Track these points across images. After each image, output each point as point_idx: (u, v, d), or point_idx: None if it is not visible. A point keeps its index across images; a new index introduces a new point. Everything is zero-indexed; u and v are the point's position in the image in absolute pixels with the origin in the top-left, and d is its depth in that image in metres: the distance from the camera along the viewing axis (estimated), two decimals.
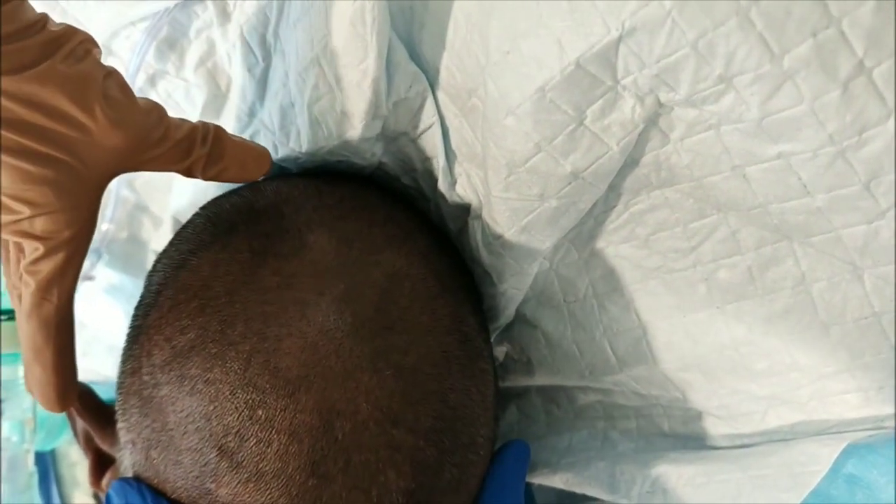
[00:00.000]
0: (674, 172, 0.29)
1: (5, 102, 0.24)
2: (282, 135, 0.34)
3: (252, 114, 0.37)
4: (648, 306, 0.32)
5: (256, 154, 0.30)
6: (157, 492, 0.28)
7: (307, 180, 0.33)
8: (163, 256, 0.33)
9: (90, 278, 0.47)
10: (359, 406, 0.26)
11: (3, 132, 0.24)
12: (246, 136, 0.37)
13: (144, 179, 0.45)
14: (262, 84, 0.36)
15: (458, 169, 0.33)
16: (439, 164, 0.33)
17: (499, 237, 0.32)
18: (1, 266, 0.31)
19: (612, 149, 0.28)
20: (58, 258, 0.27)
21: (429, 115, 0.32)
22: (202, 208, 0.34)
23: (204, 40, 0.37)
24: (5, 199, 0.26)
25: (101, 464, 0.36)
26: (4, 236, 0.27)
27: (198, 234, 0.31)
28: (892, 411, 0.29)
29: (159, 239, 0.48)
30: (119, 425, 0.31)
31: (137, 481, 0.29)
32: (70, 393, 0.30)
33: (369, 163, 0.34)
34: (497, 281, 0.34)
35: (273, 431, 0.25)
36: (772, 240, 0.28)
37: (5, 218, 0.26)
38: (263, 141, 0.36)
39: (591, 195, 0.30)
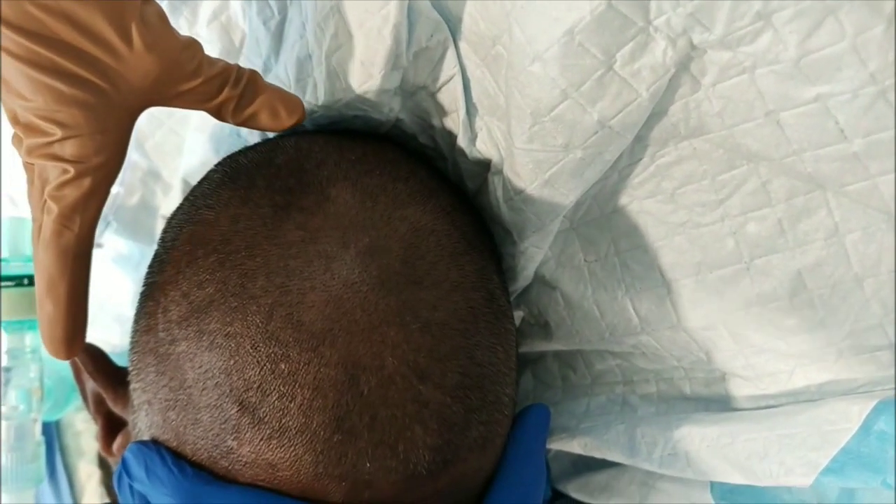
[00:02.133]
0: (703, 121, 0.28)
1: (42, 16, 0.23)
2: (298, 88, 0.34)
3: (267, 69, 0.36)
4: (673, 263, 0.32)
5: (289, 102, 0.29)
6: (176, 454, 0.27)
7: (327, 136, 0.32)
8: (178, 212, 0.32)
9: (98, 245, 0.46)
10: (384, 360, 0.25)
11: (39, 48, 0.24)
12: None
13: (155, 143, 0.44)
14: (278, 38, 0.35)
15: (478, 123, 0.32)
16: (459, 118, 0.32)
17: (521, 192, 0.31)
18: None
19: (642, 95, 0.27)
20: (84, 184, 0.26)
21: (449, 66, 0.31)
22: (219, 164, 0.33)
23: None
24: (36, 121, 0.25)
25: (112, 428, 0.35)
26: (32, 160, 0.26)
27: (215, 188, 0.30)
28: None
29: (169, 204, 0.47)
30: (133, 386, 0.30)
31: (156, 444, 0.28)
32: (78, 339, 0.29)
33: (386, 118, 0.34)
34: (518, 239, 0.33)
35: (296, 386, 0.25)
36: (804, 190, 0.28)
37: (36, 140, 0.26)
38: None
39: (618, 145, 0.29)
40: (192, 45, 0.27)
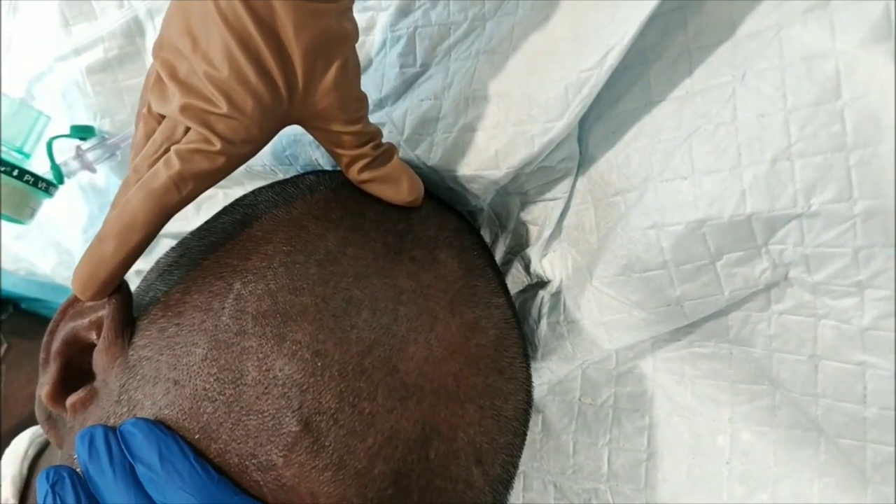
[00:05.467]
0: (753, 336, 0.32)
1: (275, 13, 0.25)
2: (411, 140, 0.35)
3: (378, 106, 0.37)
4: (663, 437, 0.35)
5: (414, 181, 0.31)
6: (194, 449, 0.24)
7: (427, 197, 0.33)
8: (263, 197, 0.31)
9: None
10: (457, 434, 0.26)
11: (254, 32, 0.25)
12: None
13: None
14: (407, 86, 0.36)
15: (555, 245, 0.35)
16: (541, 233, 0.35)
17: (573, 322, 0.33)
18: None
19: (724, 294, 0.31)
20: (218, 161, 0.26)
21: (561, 190, 0.34)
22: (317, 174, 0.33)
23: (367, 17, 0.37)
24: (207, 87, 0.25)
25: (73, 378, 0.29)
26: (181, 118, 0.26)
27: (320, 199, 0.31)
28: None
29: None
30: (150, 355, 0.27)
31: (168, 428, 0.25)
32: (112, 286, 0.27)
33: (474, 205, 0.35)
34: (540, 357, 0.35)
35: (371, 429, 0.24)
36: (805, 426, 0.32)
37: (195, 103, 0.26)
38: (386, 136, 0.36)
39: (675, 324, 0.32)
40: (363, 100, 0.29)
